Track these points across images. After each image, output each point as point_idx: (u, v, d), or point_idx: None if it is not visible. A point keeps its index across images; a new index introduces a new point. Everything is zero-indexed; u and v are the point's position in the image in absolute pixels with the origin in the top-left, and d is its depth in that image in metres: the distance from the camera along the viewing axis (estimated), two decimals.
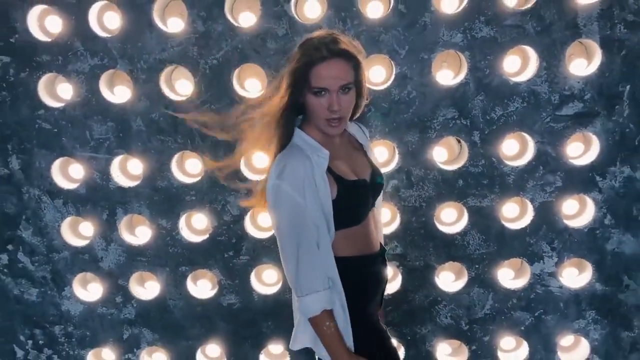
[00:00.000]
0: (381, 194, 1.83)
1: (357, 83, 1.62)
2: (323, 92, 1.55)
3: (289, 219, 1.57)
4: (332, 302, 1.60)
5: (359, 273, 1.70)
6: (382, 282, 1.79)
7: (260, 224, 2.39)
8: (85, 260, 2.38)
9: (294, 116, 1.64)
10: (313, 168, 1.57)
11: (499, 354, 2.39)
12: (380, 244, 1.79)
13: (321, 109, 1.57)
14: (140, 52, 2.16)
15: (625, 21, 2.05)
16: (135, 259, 2.36)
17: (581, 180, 2.20)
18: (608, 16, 2.05)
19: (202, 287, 2.44)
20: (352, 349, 1.63)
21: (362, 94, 1.68)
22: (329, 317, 1.59)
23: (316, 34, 1.60)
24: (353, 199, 1.65)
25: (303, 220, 1.56)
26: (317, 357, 1.75)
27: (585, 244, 2.26)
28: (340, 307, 1.62)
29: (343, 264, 1.64)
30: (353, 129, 1.84)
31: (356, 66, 1.59)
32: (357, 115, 1.75)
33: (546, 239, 2.26)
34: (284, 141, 1.63)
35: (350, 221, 1.66)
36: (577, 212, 2.32)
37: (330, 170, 1.61)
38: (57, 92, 2.29)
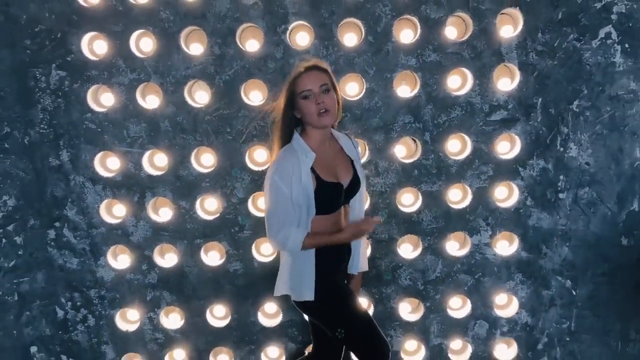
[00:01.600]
0: (358, 194, 2.37)
1: (334, 88, 2.21)
2: (308, 95, 2.15)
3: (275, 202, 2.19)
4: (304, 232, 2.22)
5: (328, 254, 2.29)
6: (345, 255, 2.40)
7: (259, 205, 2.99)
8: (118, 234, 2.94)
9: (290, 124, 2.24)
10: (300, 165, 2.17)
11: (448, 310, 3.01)
12: None
13: (311, 106, 2.15)
14: (169, 69, 2.77)
15: (536, 50, 2.72)
16: (159, 233, 2.94)
17: (508, 170, 2.84)
18: (523, 46, 2.72)
19: (212, 256, 3.02)
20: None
21: (337, 94, 2.24)
22: (312, 236, 2.21)
23: (302, 61, 2.32)
24: (326, 195, 2.22)
25: (284, 204, 2.18)
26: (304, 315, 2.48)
27: (512, 220, 2.89)
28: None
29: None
30: (344, 141, 2.38)
31: (328, 76, 2.21)
32: (339, 112, 2.28)
33: (482, 216, 2.88)
34: (282, 143, 2.26)
35: (324, 210, 2.24)
36: (506, 195, 2.94)
37: (313, 170, 2.20)
38: (101, 99, 2.88)
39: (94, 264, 2.98)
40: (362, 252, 2.49)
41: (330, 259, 2.31)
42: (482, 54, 2.73)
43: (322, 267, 2.27)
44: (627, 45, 2.72)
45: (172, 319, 3.09)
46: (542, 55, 2.73)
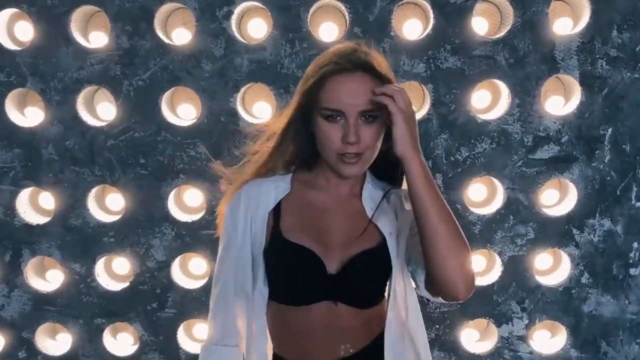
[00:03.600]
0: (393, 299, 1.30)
1: (387, 114, 1.15)
2: (337, 117, 1.16)
3: (220, 252, 1.32)
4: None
5: None
6: None
7: (191, 270, 2.09)
8: None
9: (298, 138, 1.26)
10: (264, 194, 1.27)
11: None
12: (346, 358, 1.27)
13: (333, 138, 1.17)
14: (54, 69, 1.88)
15: (608, 56, 1.85)
16: (43, 308, 2.04)
17: (556, 233, 1.97)
18: (589, 50, 1.85)
19: (121, 342, 2.12)
20: None
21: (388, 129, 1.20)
22: None
23: (337, 46, 1.24)
24: (282, 266, 1.27)
25: (228, 259, 1.28)
26: None
27: (559, 304, 2.03)
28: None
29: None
30: (375, 196, 1.31)
31: (382, 83, 1.17)
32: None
33: (516, 297, 2.01)
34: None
35: (278, 295, 1.28)
36: (551, 268, 2.10)
37: (277, 212, 1.27)
38: None
39: None
40: None
41: None
42: (525, 60, 1.86)
43: None
44: None
45: None
46: (616, 63, 1.86)
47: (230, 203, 1.29)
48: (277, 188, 1.28)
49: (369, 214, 1.27)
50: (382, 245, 1.26)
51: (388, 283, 1.31)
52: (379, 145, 1.20)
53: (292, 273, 1.25)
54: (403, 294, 1.30)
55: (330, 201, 1.28)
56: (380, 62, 1.18)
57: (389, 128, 1.15)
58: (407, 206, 1.27)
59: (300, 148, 1.27)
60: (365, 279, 1.26)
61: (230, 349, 1.26)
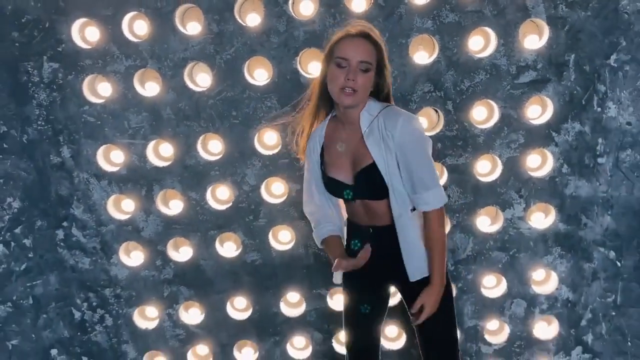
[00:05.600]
0: (385, 193, 1.94)
1: (378, 68, 1.89)
2: (344, 64, 1.82)
3: (305, 170, 2.13)
4: (324, 234, 2.07)
5: (348, 233, 2.15)
6: (370, 247, 1.93)
7: (273, 192, 2.81)
8: (128, 231, 2.81)
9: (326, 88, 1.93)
10: (316, 142, 2.05)
11: (482, 290, 2.81)
12: (379, 226, 2.01)
13: (339, 77, 1.83)
14: (166, 52, 2.58)
15: (566, 1, 2.43)
16: (171, 227, 2.79)
17: (540, 137, 2.59)
18: None
19: (228, 247, 2.87)
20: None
21: (384, 76, 1.93)
22: (325, 243, 2.07)
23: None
24: (329, 189, 2.07)
25: (308, 175, 2.10)
26: None
27: (547, 190, 2.65)
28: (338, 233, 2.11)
29: (348, 221, 2.16)
30: (380, 125, 1.90)
31: (378, 51, 1.88)
32: (383, 96, 2.00)
33: (514, 188, 2.65)
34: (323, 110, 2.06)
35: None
36: (539, 164, 2.70)
37: (322, 156, 2.05)
38: (98, 90, 2.72)
39: (106, 263, 2.86)
40: (411, 250, 1.99)
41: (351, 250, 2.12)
42: (505, 10, 2.46)
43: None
44: None
45: (192, 314, 2.97)
46: (573, 6, 2.45)
47: (310, 143, 2.09)
48: (320, 136, 2.05)
49: (365, 138, 1.91)
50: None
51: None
52: (368, 91, 1.91)
53: (334, 193, 2.08)
54: (401, 193, 1.95)
55: (345, 135, 2.02)
56: (375, 34, 1.92)
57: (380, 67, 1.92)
58: (391, 129, 1.87)
59: (326, 95, 1.98)
60: (367, 185, 1.96)
61: (328, 224, 2.09)
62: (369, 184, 1.95)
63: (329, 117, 2.08)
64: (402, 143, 1.86)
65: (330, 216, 2.11)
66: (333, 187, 2.04)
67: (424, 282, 1.98)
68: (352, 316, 2.20)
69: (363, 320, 2.18)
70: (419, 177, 1.88)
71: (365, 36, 1.90)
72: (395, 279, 2.11)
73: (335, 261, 1.89)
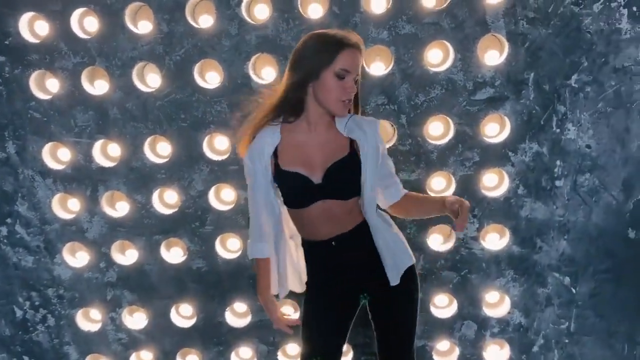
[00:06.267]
0: (351, 195, 1.96)
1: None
2: (345, 76, 1.79)
3: (248, 186, 1.99)
4: (263, 253, 1.99)
5: (306, 252, 2.07)
6: (328, 268, 2.03)
7: (222, 198, 2.74)
8: (72, 231, 2.74)
9: (301, 94, 1.86)
10: (265, 146, 1.91)
11: (432, 309, 2.73)
12: (342, 235, 1.97)
13: (340, 90, 1.80)
14: (115, 51, 2.51)
15: (527, 17, 2.35)
16: (116, 229, 2.73)
17: (496, 156, 2.50)
18: (512, 14, 2.33)
19: (174, 253, 2.80)
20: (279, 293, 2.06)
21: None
22: (258, 267, 2.01)
23: (329, 29, 1.88)
24: (285, 185, 1.93)
25: (251, 190, 1.97)
26: None
27: (502, 211, 2.57)
28: (278, 256, 2.03)
29: (302, 240, 2.08)
30: (352, 120, 1.94)
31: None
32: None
33: (468, 207, 2.57)
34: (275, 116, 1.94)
35: (292, 203, 1.97)
36: (494, 184, 2.61)
37: (276, 154, 1.92)
38: (46, 86, 2.65)
39: (50, 262, 2.80)
40: (390, 249, 2.04)
41: (311, 268, 2.11)
42: (464, 24, 2.38)
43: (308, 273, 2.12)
44: (635, 9, 2.32)
45: (136, 319, 2.90)
46: (534, 23, 2.36)
47: (246, 156, 1.94)
48: (272, 138, 1.91)
49: (340, 128, 1.93)
50: (351, 153, 1.93)
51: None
52: None
53: (291, 189, 1.94)
54: (372, 190, 1.96)
55: (310, 137, 1.94)
56: (363, 50, 1.86)
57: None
58: (366, 130, 1.93)
59: (297, 100, 1.89)
60: (340, 180, 1.92)
61: (264, 243, 2.01)
62: (342, 179, 1.91)
63: (278, 122, 1.96)
64: (379, 138, 1.95)
65: (265, 233, 2.02)
66: (295, 184, 1.90)
67: (400, 286, 2.03)
68: (315, 331, 2.10)
69: (329, 335, 2.10)
70: (391, 166, 2.04)
71: (360, 49, 1.84)
72: (366, 288, 2.06)
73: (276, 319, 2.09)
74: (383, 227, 2.03)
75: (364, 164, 1.92)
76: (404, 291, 2.07)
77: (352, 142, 1.95)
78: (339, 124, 1.94)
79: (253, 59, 2.49)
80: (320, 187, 1.90)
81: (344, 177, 1.93)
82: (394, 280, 2.01)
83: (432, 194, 2.58)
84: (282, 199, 2.00)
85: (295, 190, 1.94)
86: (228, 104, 2.52)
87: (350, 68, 1.79)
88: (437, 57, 2.52)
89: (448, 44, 2.42)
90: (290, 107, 1.90)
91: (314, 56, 1.79)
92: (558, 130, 2.47)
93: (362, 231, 2.00)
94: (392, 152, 2.52)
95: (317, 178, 1.90)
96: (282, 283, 2.06)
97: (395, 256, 2.04)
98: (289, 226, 2.07)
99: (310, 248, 2.05)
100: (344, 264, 2.01)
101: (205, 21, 2.53)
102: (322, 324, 2.07)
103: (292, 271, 2.10)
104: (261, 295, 2.08)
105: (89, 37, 2.52)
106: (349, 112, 1.95)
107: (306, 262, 2.09)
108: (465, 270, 2.66)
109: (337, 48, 1.78)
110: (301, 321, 2.11)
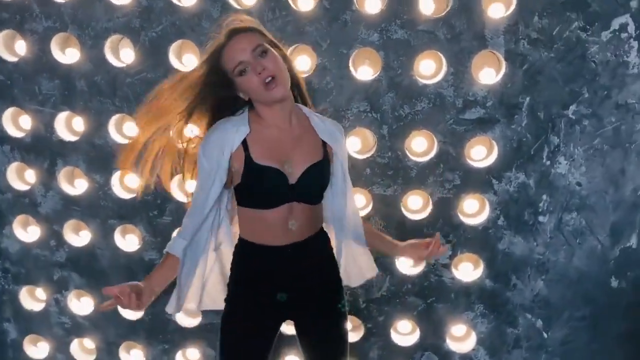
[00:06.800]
0: (332, 197, 1.85)
1: (273, 45, 1.68)
2: (244, 69, 1.62)
3: (198, 180, 1.76)
4: (178, 252, 1.75)
5: (243, 259, 1.83)
6: (274, 277, 1.80)
7: (185, 188, 2.58)
8: (25, 203, 2.60)
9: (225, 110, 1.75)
10: (228, 137, 1.68)
11: (392, 335, 2.56)
12: (297, 242, 1.77)
13: (251, 80, 1.62)
14: (89, 19, 2.36)
15: (529, 37, 2.18)
16: (70, 207, 2.57)
17: (479, 181, 2.34)
18: (513, 31, 2.17)
19: (128, 240, 2.65)
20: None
21: (285, 57, 1.72)
22: (165, 258, 1.78)
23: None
24: (254, 181, 1.70)
25: (202, 183, 1.73)
26: None
27: (478, 241, 2.40)
28: (190, 264, 1.80)
29: (243, 242, 1.81)
30: (326, 125, 1.81)
31: (259, 32, 1.68)
32: (302, 84, 1.84)
33: (443, 232, 2.39)
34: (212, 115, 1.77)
35: (253, 203, 1.74)
36: (474, 211, 2.45)
37: (245, 146, 1.69)
38: (15, 48, 2.50)
39: None
40: (354, 253, 2.00)
41: (247, 277, 1.86)
42: (460, 36, 2.21)
43: (233, 281, 1.88)
44: None
45: (82, 304, 2.75)
46: (536, 44, 2.19)
47: (201, 147, 1.69)
48: (238, 131, 1.68)
49: (320, 134, 1.77)
50: (325, 158, 1.78)
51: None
52: (285, 68, 1.67)
53: (263, 187, 1.72)
54: (342, 193, 1.84)
55: (284, 132, 1.75)
56: (243, 19, 1.72)
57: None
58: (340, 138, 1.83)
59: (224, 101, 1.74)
60: (315, 183, 1.76)
61: (183, 240, 1.77)
62: (317, 183, 1.77)
63: (244, 111, 1.77)
64: (343, 144, 1.86)
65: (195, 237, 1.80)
66: (269, 181, 1.69)
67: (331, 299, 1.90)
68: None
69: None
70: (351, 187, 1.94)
71: (237, 31, 1.68)
72: (303, 302, 1.85)
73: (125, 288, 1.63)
74: (348, 231, 1.92)
75: (335, 173, 1.83)
76: (334, 305, 1.90)
77: (325, 146, 1.79)
78: (316, 123, 1.79)
79: None
80: (294, 188, 1.72)
81: (319, 181, 1.79)
82: (355, 283, 2.06)
83: (407, 213, 2.41)
84: (235, 200, 1.82)
85: (267, 188, 1.71)
86: None
87: (238, 58, 1.63)
88: (428, 68, 2.35)
89: (441, 56, 2.25)
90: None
91: (212, 72, 1.70)
92: (548, 163, 2.30)
93: (318, 240, 1.86)
94: (369, 163, 2.36)
95: (292, 178, 1.71)
96: (181, 295, 1.85)
97: (361, 268, 2.02)
98: (221, 234, 1.88)
99: (255, 253, 1.80)
100: (294, 273, 1.80)
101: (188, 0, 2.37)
102: (248, 347, 1.86)
103: (197, 285, 1.88)
104: (148, 281, 1.76)
105: (63, 1, 2.36)
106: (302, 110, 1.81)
107: (237, 270, 1.85)
108: (432, 298, 2.49)
109: (218, 52, 1.68)
110: (221, 338, 1.88)
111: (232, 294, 1.87)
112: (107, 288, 1.62)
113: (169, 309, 1.85)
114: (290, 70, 1.73)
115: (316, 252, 1.86)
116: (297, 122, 1.77)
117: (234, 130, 1.69)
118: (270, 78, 1.61)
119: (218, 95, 1.74)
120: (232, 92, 1.73)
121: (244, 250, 1.83)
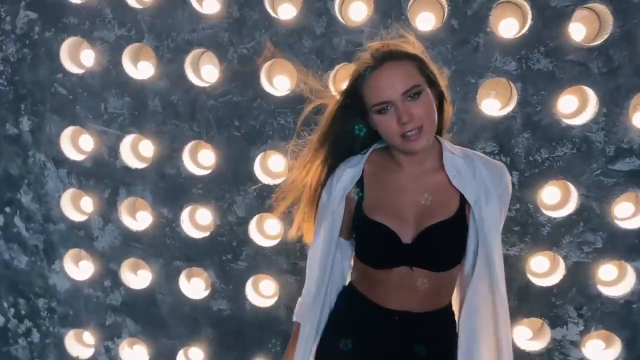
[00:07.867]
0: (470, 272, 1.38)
1: (430, 83, 1.32)
2: (387, 107, 1.29)
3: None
4: (300, 316, 1.49)
5: (350, 308, 1.50)
6: (376, 344, 1.45)
7: (266, 230, 2.22)
8: (80, 236, 2.26)
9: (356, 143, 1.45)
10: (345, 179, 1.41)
11: None
12: (408, 312, 1.40)
13: (391, 125, 1.29)
14: (169, 29, 2.03)
15: None
16: (131, 244, 2.23)
17: (625, 245, 1.94)
18: None
19: (194, 286, 2.29)
20: None
21: (439, 90, 1.35)
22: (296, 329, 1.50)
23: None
24: (362, 235, 1.41)
25: (319, 224, 1.45)
26: None
27: (618, 316, 2.00)
28: (310, 327, 1.47)
29: (352, 290, 1.49)
30: (484, 176, 1.38)
31: (419, 64, 1.31)
32: (448, 124, 1.47)
33: (574, 303, 2.00)
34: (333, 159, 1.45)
35: (363, 258, 1.43)
36: (615, 279, 2.05)
37: (361, 188, 1.40)
38: (80, 58, 2.18)
39: (46, 267, 2.33)
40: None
41: (352, 333, 1.49)
42: (618, 71, 1.82)
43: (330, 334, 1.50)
44: None
45: (135, 354, 2.39)
46: None
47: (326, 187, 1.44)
48: (353, 169, 1.41)
49: (454, 181, 1.36)
50: (460, 215, 1.36)
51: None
52: (435, 114, 1.30)
53: (372, 245, 1.39)
54: (486, 263, 1.36)
55: (404, 180, 1.39)
56: (403, 46, 1.33)
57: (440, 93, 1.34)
58: (498, 178, 1.38)
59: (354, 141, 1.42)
60: (439, 247, 1.36)
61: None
62: (441, 245, 1.37)
63: (368, 151, 1.45)
64: (506, 201, 1.42)
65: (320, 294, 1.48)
66: (378, 239, 1.38)
67: None
68: None
69: None
70: None
71: (394, 56, 1.30)
72: None
73: None
74: (483, 317, 1.40)
75: (472, 233, 1.36)
76: None
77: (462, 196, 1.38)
78: (448, 167, 1.37)
79: (337, 68, 1.97)
80: (410, 249, 1.35)
81: (445, 245, 1.37)
82: None
83: (531, 277, 2.01)
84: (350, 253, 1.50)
85: (376, 247, 1.39)
86: (294, 118, 2.00)
87: (384, 98, 1.27)
88: (574, 106, 1.96)
89: (592, 93, 1.86)
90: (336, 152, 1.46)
91: (347, 97, 1.38)
92: None
93: (439, 318, 1.45)
94: None
95: (406, 236, 1.36)
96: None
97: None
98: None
99: (363, 306, 1.46)
100: (393, 344, 1.43)
101: (286, 11, 2.02)
102: None
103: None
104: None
105: (141, 6, 2.04)
106: (438, 142, 1.41)
107: (338, 319, 1.51)
108: None
109: (359, 82, 1.32)
110: None
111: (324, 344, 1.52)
112: None
113: None
114: (447, 112, 1.40)
115: (435, 331, 1.45)
116: (431, 166, 1.39)
117: (350, 172, 1.41)
118: (414, 130, 1.26)
119: (348, 122, 1.41)
120: (363, 122, 1.39)
121: (350, 299, 1.50)
